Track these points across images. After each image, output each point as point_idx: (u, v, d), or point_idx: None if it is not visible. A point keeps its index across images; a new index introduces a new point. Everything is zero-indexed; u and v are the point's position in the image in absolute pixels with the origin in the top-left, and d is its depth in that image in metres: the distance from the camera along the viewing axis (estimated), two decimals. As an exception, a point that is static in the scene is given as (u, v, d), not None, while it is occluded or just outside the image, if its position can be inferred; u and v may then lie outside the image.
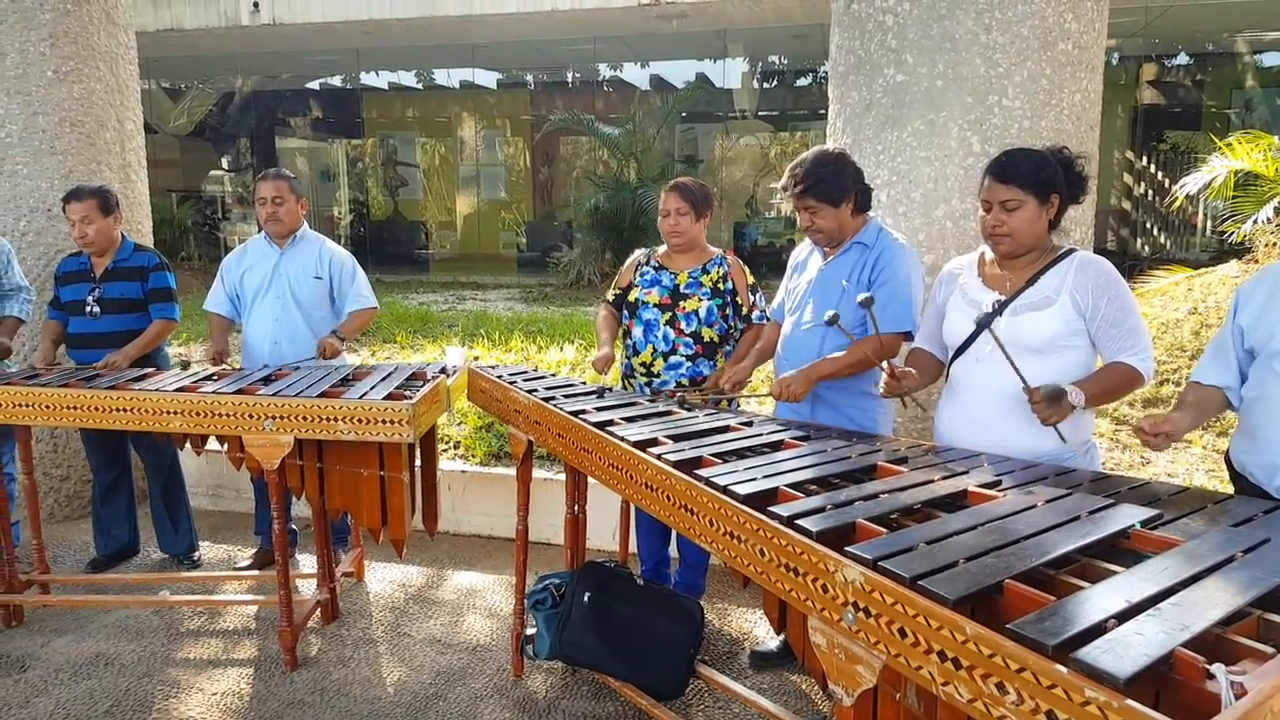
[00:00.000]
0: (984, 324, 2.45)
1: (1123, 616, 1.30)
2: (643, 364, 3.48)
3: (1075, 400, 2.27)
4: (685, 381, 3.42)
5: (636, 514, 3.67)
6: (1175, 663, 1.21)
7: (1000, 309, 2.46)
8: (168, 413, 3.20)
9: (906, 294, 2.87)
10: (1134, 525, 1.68)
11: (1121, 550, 1.64)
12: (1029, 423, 2.35)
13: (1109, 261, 2.43)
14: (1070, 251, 2.46)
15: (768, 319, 3.54)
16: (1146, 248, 14.93)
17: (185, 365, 3.74)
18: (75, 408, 3.27)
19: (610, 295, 3.67)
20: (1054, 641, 1.22)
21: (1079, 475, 2.10)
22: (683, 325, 3.43)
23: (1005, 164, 2.40)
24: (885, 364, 2.56)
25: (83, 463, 4.78)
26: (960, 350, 2.58)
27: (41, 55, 4.65)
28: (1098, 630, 1.26)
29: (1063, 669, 1.19)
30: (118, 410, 3.24)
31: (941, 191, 3.36)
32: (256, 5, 13.76)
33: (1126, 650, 1.19)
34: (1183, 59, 15.17)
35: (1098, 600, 1.35)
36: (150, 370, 3.70)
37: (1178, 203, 6.94)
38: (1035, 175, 2.35)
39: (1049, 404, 2.26)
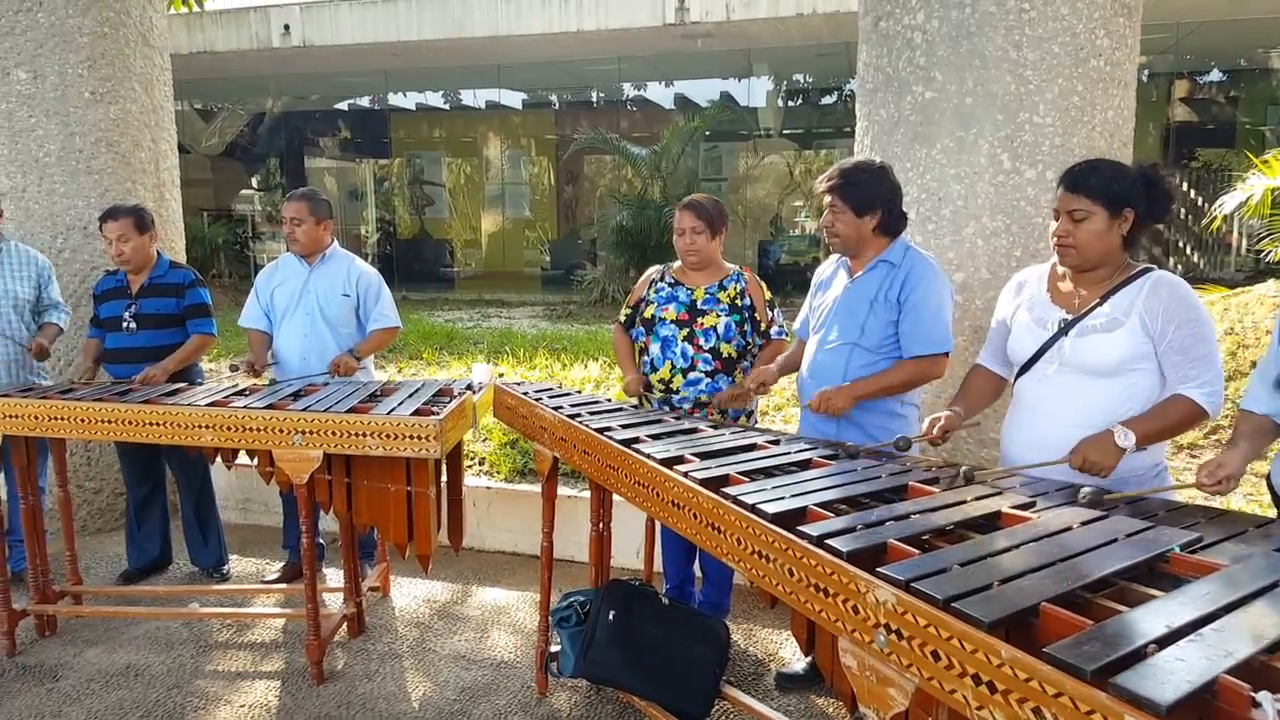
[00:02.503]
0: (1045, 347, 2.40)
1: (1163, 642, 1.27)
2: (660, 380, 3.46)
3: (1124, 441, 2.18)
4: (704, 398, 3.40)
5: (662, 531, 3.66)
6: (1219, 690, 1.18)
7: (1067, 328, 2.38)
8: (199, 427, 3.23)
9: (941, 314, 2.84)
10: (1173, 548, 1.64)
11: (1160, 574, 1.61)
12: None
13: (1185, 282, 2.31)
14: (1146, 270, 2.34)
15: (786, 335, 3.52)
16: (1180, 267, 14.76)
17: (235, 368, 3.79)
18: (110, 421, 3.30)
19: (622, 316, 3.65)
20: (1093, 666, 1.20)
21: (1115, 497, 2.07)
22: (701, 341, 3.41)
23: (1078, 172, 2.31)
24: (930, 427, 2.54)
25: (115, 475, 4.83)
26: (1026, 367, 2.50)
27: (79, 77, 4.74)
28: (1138, 655, 1.24)
29: (1102, 694, 1.17)
30: (151, 424, 3.27)
31: (971, 209, 3.34)
32: (287, 27, 14.00)
33: (1168, 676, 1.17)
34: (1216, 75, 15.04)
35: (1137, 625, 1.32)
36: (183, 385, 3.74)
37: (1216, 223, 6.84)
38: (1107, 187, 2.25)
39: (1091, 458, 2.19)
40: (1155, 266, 2.37)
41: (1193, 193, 14.81)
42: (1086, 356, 2.33)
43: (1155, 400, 2.31)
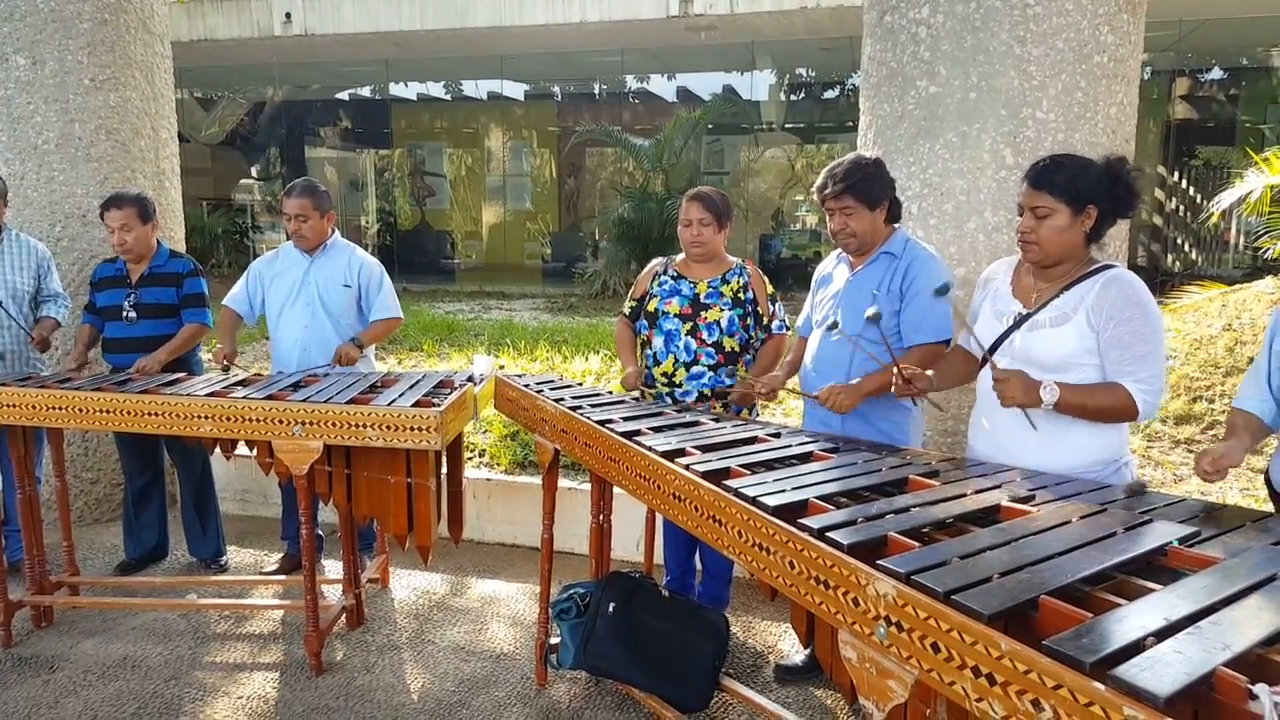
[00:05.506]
0: (1000, 340, 2.42)
1: (1161, 634, 1.28)
2: (664, 374, 3.47)
3: (1047, 395, 2.23)
4: (708, 391, 3.41)
5: (665, 524, 3.66)
6: (1216, 682, 1.19)
7: (1020, 323, 2.41)
8: (199, 417, 3.22)
9: (942, 302, 2.84)
10: (1171, 542, 1.65)
11: (1158, 567, 1.62)
12: (1050, 443, 2.33)
13: (1142, 283, 2.31)
14: (1106, 268, 2.34)
15: (788, 328, 3.52)
16: (1178, 264, 14.77)
17: (225, 369, 3.78)
18: (108, 411, 3.30)
19: (626, 309, 3.66)
20: (1091, 658, 1.21)
21: (1113, 491, 2.08)
22: (704, 335, 3.41)
23: (1042, 169, 2.31)
24: (895, 366, 2.55)
25: (113, 466, 4.83)
26: (984, 361, 2.52)
27: (79, 64, 4.72)
28: (1136, 648, 1.24)
29: (1101, 686, 1.17)
30: (150, 414, 3.27)
31: (974, 204, 3.34)
32: (289, 16, 13.96)
33: (1166, 669, 1.17)
34: (1217, 73, 15.02)
35: (1135, 618, 1.33)
36: (182, 375, 3.73)
37: (1213, 219, 6.86)
38: (1070, 184, 2.26)
39: (1010, 383, 2.25)
40: (1116, 264, 2.39)
41: (1192, 190, 14.81)
42: (1034, 351, 2.36)
43: None
